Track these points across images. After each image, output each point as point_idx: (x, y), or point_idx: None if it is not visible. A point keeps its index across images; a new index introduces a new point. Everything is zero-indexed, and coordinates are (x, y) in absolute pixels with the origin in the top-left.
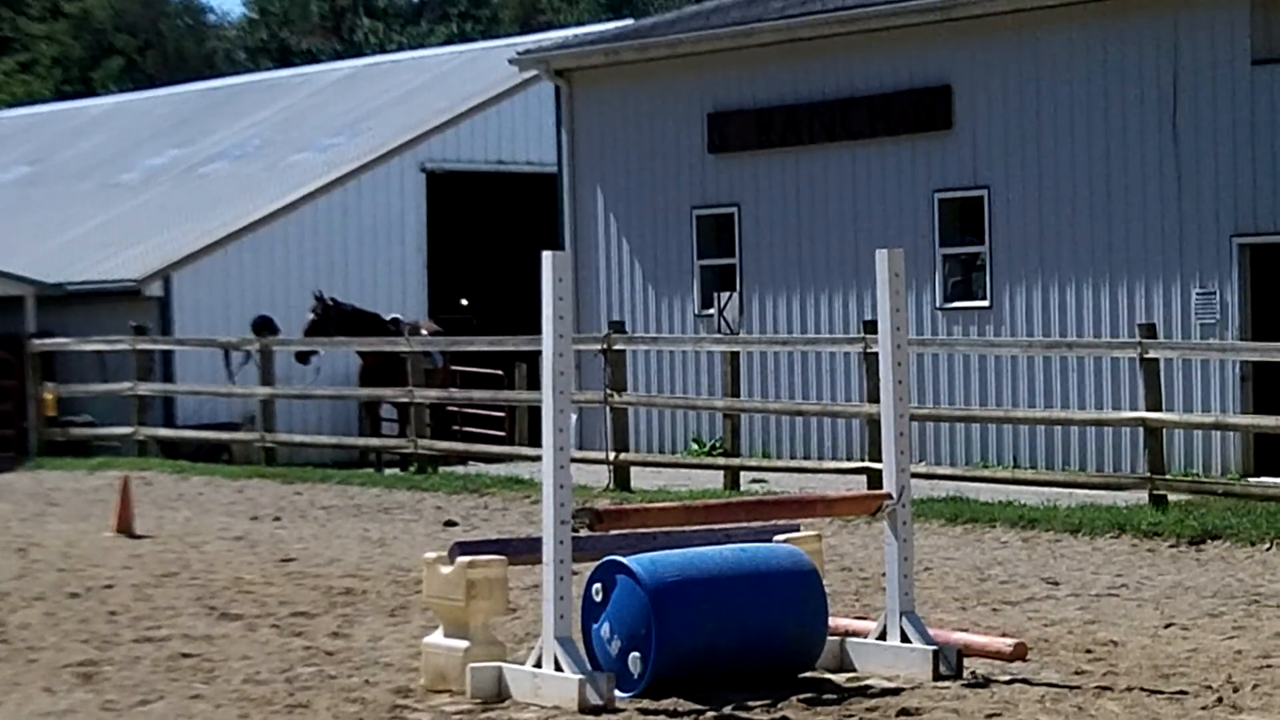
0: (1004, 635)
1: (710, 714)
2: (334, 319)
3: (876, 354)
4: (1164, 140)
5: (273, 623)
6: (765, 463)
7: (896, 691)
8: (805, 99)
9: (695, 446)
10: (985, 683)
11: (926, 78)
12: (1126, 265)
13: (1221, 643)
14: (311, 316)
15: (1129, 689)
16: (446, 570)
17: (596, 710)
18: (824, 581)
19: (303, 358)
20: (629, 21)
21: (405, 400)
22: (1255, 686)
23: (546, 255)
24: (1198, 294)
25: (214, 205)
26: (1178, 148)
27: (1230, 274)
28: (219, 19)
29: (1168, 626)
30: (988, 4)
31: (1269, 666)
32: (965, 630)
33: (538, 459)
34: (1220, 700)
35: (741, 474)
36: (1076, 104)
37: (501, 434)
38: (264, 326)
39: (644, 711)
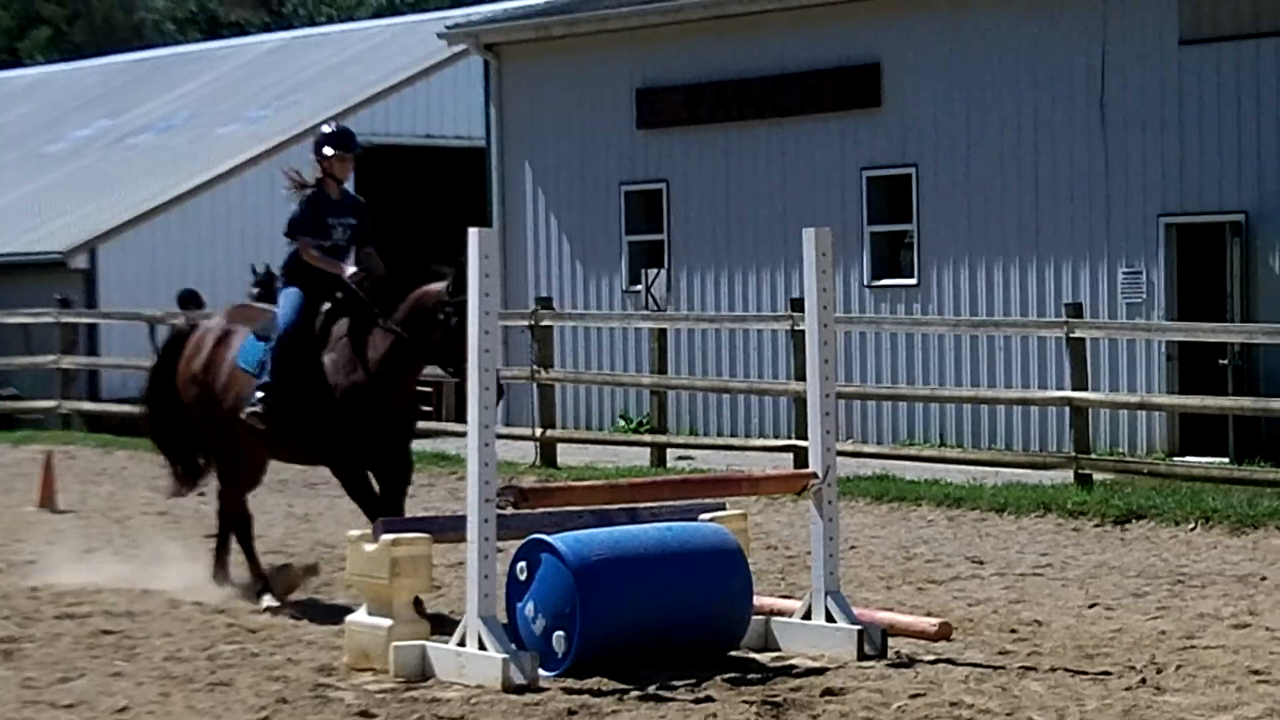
0: (929, 615)
1: (634, 693)
2: (277, 292)
3: (804, 332)
4: (1092, 120)
5: (195, 599)
6: (692, 440)
7: (821, 671)
8: (734, 75)
9: (622, 423)
10: (910, 663)
11: (856, 55)
12: (1054, 244)
13: (1145, 623)
14: (257, 290)
15: (1053, 669)
16: (370, 548)
17: (520, 689)
18: (749, 560)
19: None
20: None
21: None
22: (1179, 667)
23: (472, 232)
24: (1124, 274)
25: (141, 177)
26: (1105, 127)
27: (1157, 254)
28: None
29: (1092, 606)
30: None
31: (1192, 647)
32: (890, 610)
33: (464, 435)
34: (1144, 681)
35: (668, 451)
36: (1005, 83)
37: (428, 409)
38: (190, 300)
39: (568, 691)
